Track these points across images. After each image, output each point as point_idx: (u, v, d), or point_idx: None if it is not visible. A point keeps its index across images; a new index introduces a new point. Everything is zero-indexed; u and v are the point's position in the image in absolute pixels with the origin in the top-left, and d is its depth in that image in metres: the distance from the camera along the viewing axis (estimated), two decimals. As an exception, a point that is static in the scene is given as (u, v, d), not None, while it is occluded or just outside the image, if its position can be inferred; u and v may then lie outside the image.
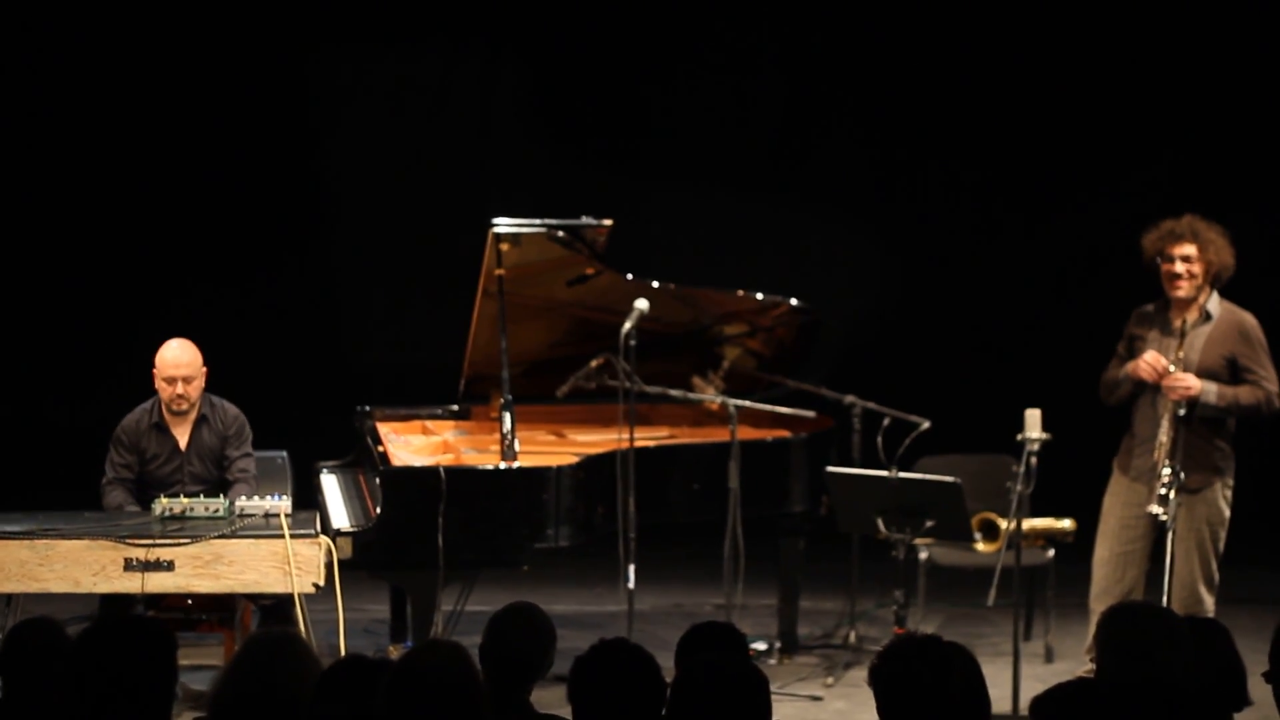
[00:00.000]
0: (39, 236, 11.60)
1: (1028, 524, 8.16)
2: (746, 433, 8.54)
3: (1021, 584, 8.01)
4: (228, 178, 11.63)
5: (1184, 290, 7.82)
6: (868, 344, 11.30)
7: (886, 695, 4.20)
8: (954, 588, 9.41)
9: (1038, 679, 7.95)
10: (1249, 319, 7.91)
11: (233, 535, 7.08)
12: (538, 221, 8.24)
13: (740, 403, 8.52)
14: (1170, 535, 7.59)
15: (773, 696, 4.36)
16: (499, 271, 8.18)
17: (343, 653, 6.96)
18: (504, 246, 8.17)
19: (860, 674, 8.17)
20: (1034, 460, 7.69)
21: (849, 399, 8.97)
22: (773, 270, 11.23)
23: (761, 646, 8.73)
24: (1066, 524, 8.79)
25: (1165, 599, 7.46)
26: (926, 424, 8.62)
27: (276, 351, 11.40)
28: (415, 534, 7.58)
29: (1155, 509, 7.64)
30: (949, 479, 7.88)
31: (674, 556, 9.68)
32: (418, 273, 11.76)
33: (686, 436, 8.83)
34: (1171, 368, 7.76)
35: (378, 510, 7.66)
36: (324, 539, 7.19)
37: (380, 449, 8.09)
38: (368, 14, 11.76)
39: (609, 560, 8.16)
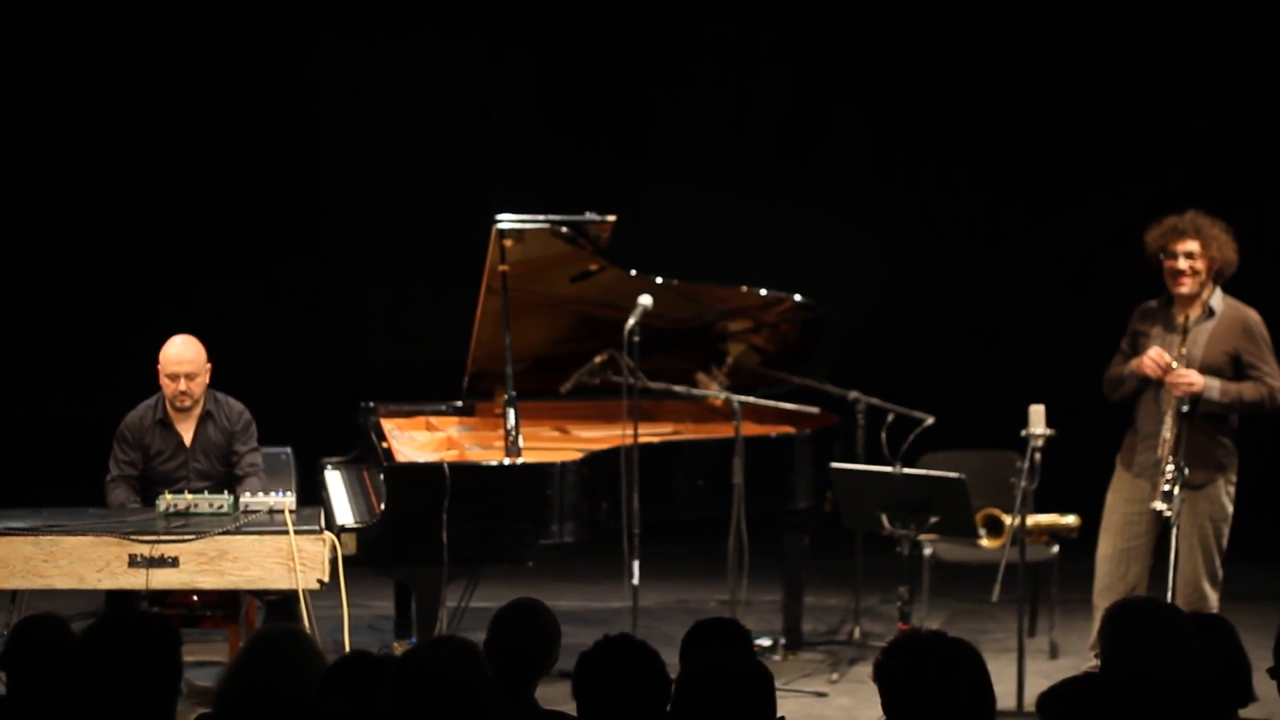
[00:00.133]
0: (44, 233, 11.60)
1: (1032, 520, 8.15)
2: (750, 429, 8.53)
3: (1026, 580, 8.00)
4: (232, 174, 11.63)
5: (1187, 286, 7.81)
6: (872, 340, 11.30)
7: (891, 691, 4.20)
8: (958, 583, 9.40)
9: (1042, 675, 7.95)
10: (1253, 315, 7.91)
11: (237, 531, 7.09)
12: (541, 217, 8.24)
13: (744, 399, 8.51)
14: (1175, 531, 7.58)
15: (777, 693, 4.35)
16: (503, 267, 8.18)
17: (347, 649, 6.98)
18: (508, 242, 8.16)
19: (865, 670, 8.20)
20: (1038, 456, 7.69)
21: (853, 395, 8.96)
22: (777, 266, 11.24)
23: (766, 642, 8.72)
24: (1071, 520, 8.79)
25: (1170, 595, 7.46)
26: (930, 420, 8.62)
27: (281, 347, 11.40)
28: (419, 530, 7.58)
29: (1160, 505, 7.63)
30: (953, 475, 7.88)
31: (678, 553, 9.67)
32: (421, 269, 11.77)
33: (690, 433, 8.82)
34: (1174, 364, 7.76)
35: (382, 506, 7.67)
36: (328, 535, 7.20)
37: (384, 445, 8.09)
38: (370, 10, 11.76)
39: (613, 556, 8.16)
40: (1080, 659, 8.26)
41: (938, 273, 11.93)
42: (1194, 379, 7.74)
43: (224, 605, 7.56)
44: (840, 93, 11.96)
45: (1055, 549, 8.79)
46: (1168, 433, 7.73)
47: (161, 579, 7.03)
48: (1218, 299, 7.89)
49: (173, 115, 11.56)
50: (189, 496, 7.34)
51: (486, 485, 7.74)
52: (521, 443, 7.87)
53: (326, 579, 7.10)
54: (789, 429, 8.71)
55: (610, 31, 11.77)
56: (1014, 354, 11.46)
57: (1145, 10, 11.56)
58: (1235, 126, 11.57)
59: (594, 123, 11.85)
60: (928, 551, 8.82)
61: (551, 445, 8.44)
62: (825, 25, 11.85)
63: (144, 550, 7.00)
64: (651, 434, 8.43)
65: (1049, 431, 7.70)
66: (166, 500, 7.32)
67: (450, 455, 8.23)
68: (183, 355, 7.77)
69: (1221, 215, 7.88)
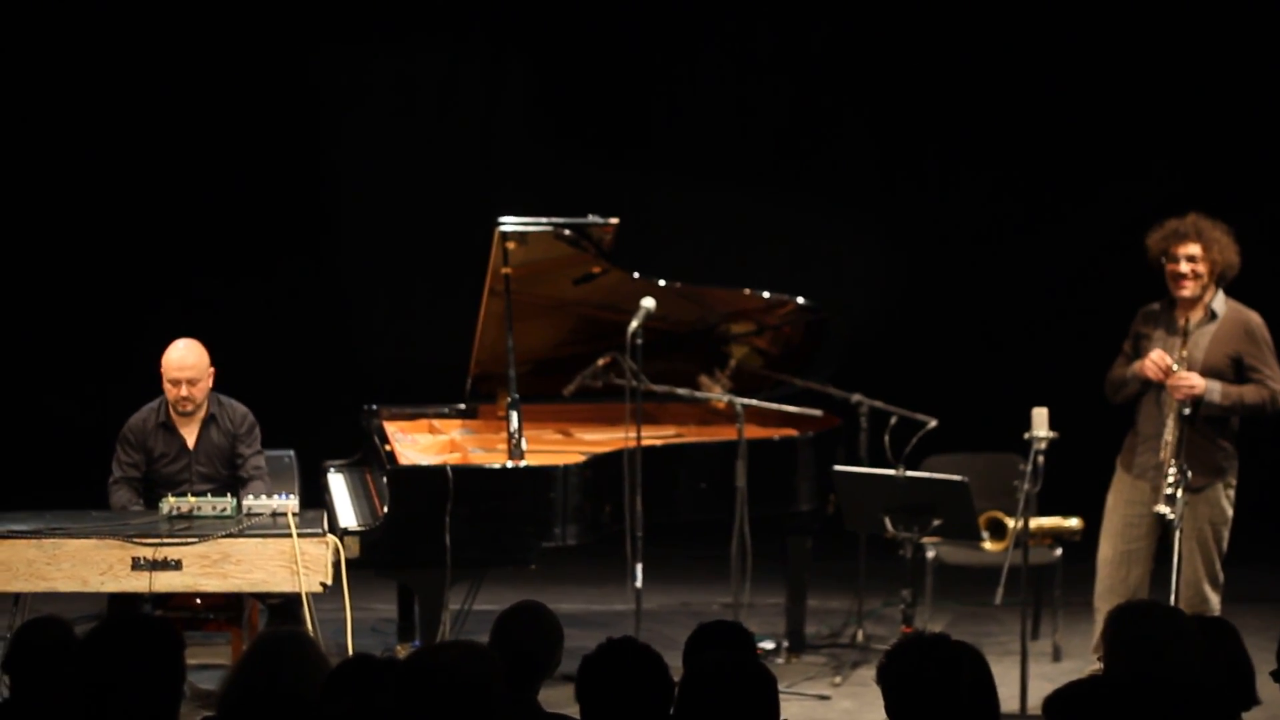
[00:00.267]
0: (46, 235, 11.61)
1: (1035, 523, 8.15)
2: (753, 431, 8.54)
3: (1029, 583, 8.00)
4: (235, 176, 11.64)
5: (1189, 290, 7.81)
6: (875, 342, 11.30)
7: (894, 694, 4.20)
8: (961, 586, 9.40)
9: (1045, 678, 7.96)
10: (1255, 318, 7.90)
11: (240, 534, 7.08)
12: (544, 220, 8.24)
13: (747, 401, 8.51)
14: (1177, 534, 7.58)
15: (780, 695, 4.35)
16: (505, 270, 8.18)
17: (350, 652, 6.96)
18: (510, 245, 8.17)
19: (868, 673, 8.20)
20: (1041, 459, 7.69)
21: (856, 398, 8.96)
22: (780, 269, 11.25)
23: (769, 645, 8.72)
24: (1074, 523, 8.79)
25: (1173, 598, 7.46)
26: (934, 423, 8.62)
27: (283, 350, 11.41)
28: (422, 533, 7.57)
29: (1162, 508, 7.62)
30: (956, 478, 7.87)
31: (681, 555, 9.67)
32: (424, 271, 11.77)
33: (693, 435, 8.82)
34: (1176, 366, 7.75)
35: (385, 509, 7.66)
36: (331, 538, 7.19)
37: (387, 448, 8.09)
38: (373, 12, 11.77)
39: (616, 559, 8.16)
40: (1083, 662, 8.26)
41: (941, 275, 11.93)
42: (1195, 382, 7.73)
43: (227, 608, 7.57)
44: (843, 95, 11.97)
45: (1058, 552, 8.80)
46: (1169, 435, 7.73)
47: (164, 582, 7.03)
48: (1220, 302, 7.89)
49: (176, 118, 11.58)
50: (192, 499, 7.34)
51: (489, 488, 7.74)
52: (524, 445, 7.87)
53: (329, 582, 7.10)
54: (792, 432, 8.71)
55: (612, 33, 11.78)
56: (1017, 357, 11.46)
57: (1147, 14, 11.56)
58: (1237, 129, 11.57)
59: (596, 125, 11.86)
60: (931, 554, 8.82)
61: (554, 448, 8.44)
62: (828, 26, 11.86)
63: (147, 553, 6.99)
64: (654, 437, 8.43)
65: (1052, 434, 7.70)
66: (169, 503, 7.31)
67: (453, 458, 8.23)
68: (184, 360, 7.76)
69: (1223, 218, 7.88)
